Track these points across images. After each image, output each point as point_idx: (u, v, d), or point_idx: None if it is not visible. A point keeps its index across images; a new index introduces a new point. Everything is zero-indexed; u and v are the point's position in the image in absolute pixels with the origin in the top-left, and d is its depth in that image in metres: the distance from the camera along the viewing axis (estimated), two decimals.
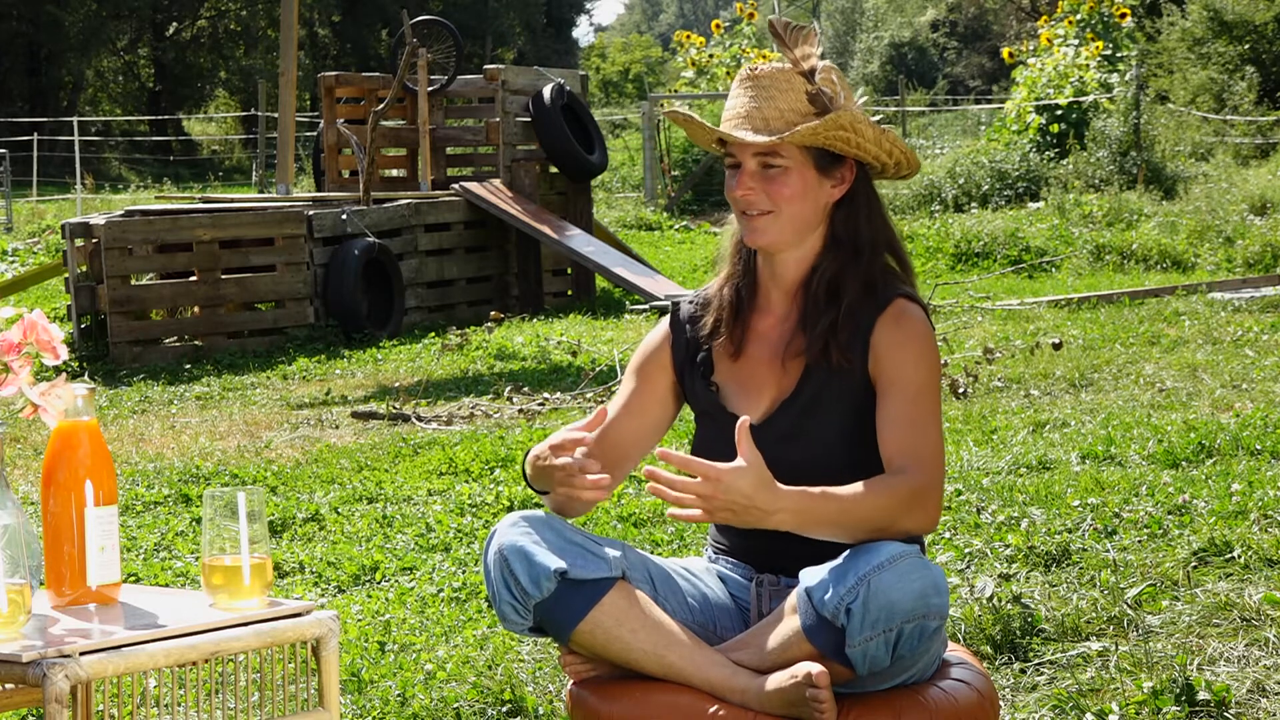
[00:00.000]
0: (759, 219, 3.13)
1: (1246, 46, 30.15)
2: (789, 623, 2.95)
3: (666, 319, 3.30)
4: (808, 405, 3.12)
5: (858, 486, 2.97)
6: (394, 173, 15.50)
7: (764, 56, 23.16)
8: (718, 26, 26.38)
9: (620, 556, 3.04)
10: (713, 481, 2.86)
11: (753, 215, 3.13)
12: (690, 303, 3.28)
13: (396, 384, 9.76)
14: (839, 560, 2.93)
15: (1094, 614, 4.55)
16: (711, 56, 24.81)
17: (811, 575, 2.93)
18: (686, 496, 2.87)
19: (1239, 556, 4.98)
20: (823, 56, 3.16)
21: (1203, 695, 3.91)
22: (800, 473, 3.07)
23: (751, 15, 25.06)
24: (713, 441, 3.18)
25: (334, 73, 15.07)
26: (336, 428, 8.59)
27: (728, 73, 24.14)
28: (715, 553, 3.29)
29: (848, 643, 2.86)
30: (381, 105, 13.79)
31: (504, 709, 4.14)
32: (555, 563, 2.98)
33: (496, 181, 14.10)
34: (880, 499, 2.96)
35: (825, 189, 3.14)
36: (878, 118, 3.22)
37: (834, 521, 2.95)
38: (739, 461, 2.88)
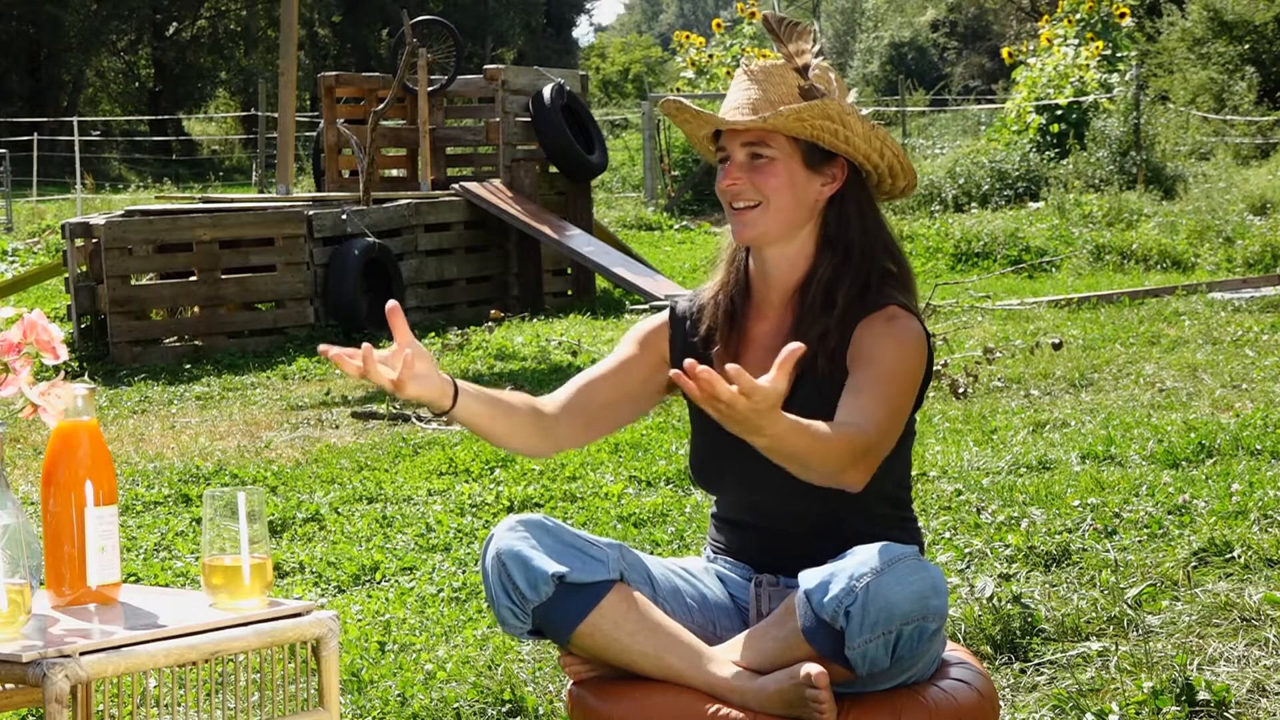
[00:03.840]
0: (746, 212, 3.11)
1: (1246, 46, 30.16)
2: (788, 624, 2.94)
3: (664, 315, 3.28)
4: (802, 412, 3.10)
5: (827, 431, 2.87)
6: (394, 173, 15.51)
7: (764, 56, 23.17)
8: (718, 26, 26.39)
9: (618, 559, 3.04)
10: (746, 395, 2.65)
11: (740, 209, 3.12)
12: (689, 301, 3.27)
13: None
14: (838, 562, 2.93)
15: (1094, 614, 4.55)
16: (711, 56, 24.81)
17: (810, 577, 2.92)
18: (711, 402, 2.64)
19: (1239, 556, 4.98)
20: (819, 54, 3.16)
21: (1203, 695, 3.91)
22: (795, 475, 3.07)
23: (753, 15, 25.05)
24: (710, 445, 3.18)
25: (334, 73, 15.08)
26: (336, 428, 8.59)
27: (728, 73, 24.13)
28: (714, 552, 3.29)
29: (847, 645, 2.86)
30: (381, 105, 13.80)
31: (504, 709, 4.14)
32: (552, 566, 2.97)
33: (496, 181, 14.10)
34: (838, 448, 2.87)
35: (814, 186, 3.12)
36: (877, 123, 3.18)
37: (797, 458, 2.83)
38: (766, 382, 2.67)
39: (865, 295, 3.10)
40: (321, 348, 2.86)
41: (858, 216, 3.15)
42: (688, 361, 2.65)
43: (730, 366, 2.67)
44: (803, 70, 3.12)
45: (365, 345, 2.85)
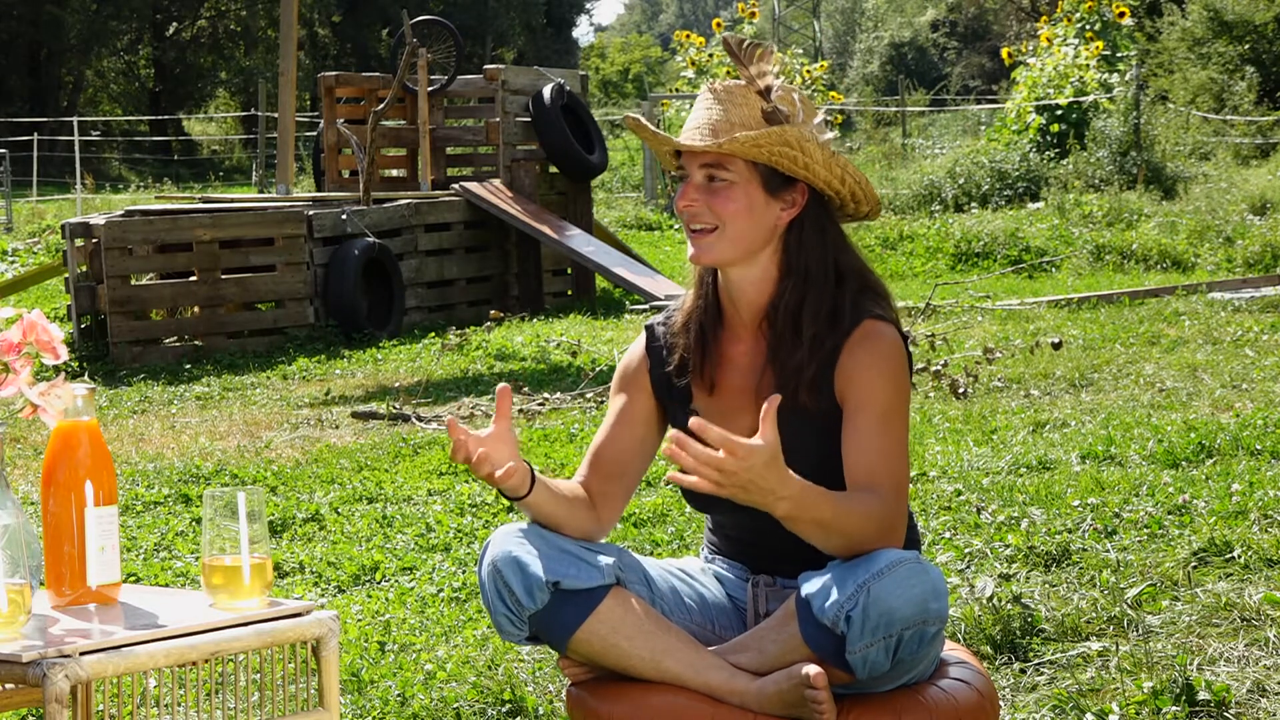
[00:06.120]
0: (703, 235, 3.07)
1: (1246, 46, 30.17)
2: (788, 628, 2.94)
3: (641, 343, 3.25)
4: (793, 448, 3.08)
5: (847, 498, 2.94)
6: (394, 173, 15.51)
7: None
8: (718, 25, 26.39)
9: (614, 563, 3.03)
10: (739, 458, 2.77)
11: (696, 231, 3.08)
12: (662, 325, 3.23)
13: (396, 384, 9.76)
14: (837, 566, 2.93)
15: (1094, 614, 4.55)
16: (711, 56, 24.80)
17: (811, 582, 2.92)
18: (707, 470, 2.77)
19: (1239, 556, 4.98)
20: (802, 66, 3.14)
21: (1203, 695, 3.91)
22: None
23: (753, 15, 25.06)
24: None
25: (334, 73, 15.08)
26: (336, 428, 8.59)
27: (728, 73, 24.14)
28: (711, 553, 3.29)
29: (848, 649, 2.85)
30: (381, 105, 13.80)
31: (504, 709, 4.14)
32: (548, 573, 2.97)
33: (496, 181, 14.10)
34: (861, 520, 2.93)
35: (774, 211, 3.08)
36: (840, 142, 3.16)
37: (823, 523, 2.90)
38: (757, 439, 2.79)
39: (837, 319, 3.07)
40: (449, 421, 2.96)
41: (818, 241, 3.10)
42: (672, 444, 2.76)
43: (696, 423, 2.76)
44: (765, 93, 3.09)
45: (461, 430, 2.94)
